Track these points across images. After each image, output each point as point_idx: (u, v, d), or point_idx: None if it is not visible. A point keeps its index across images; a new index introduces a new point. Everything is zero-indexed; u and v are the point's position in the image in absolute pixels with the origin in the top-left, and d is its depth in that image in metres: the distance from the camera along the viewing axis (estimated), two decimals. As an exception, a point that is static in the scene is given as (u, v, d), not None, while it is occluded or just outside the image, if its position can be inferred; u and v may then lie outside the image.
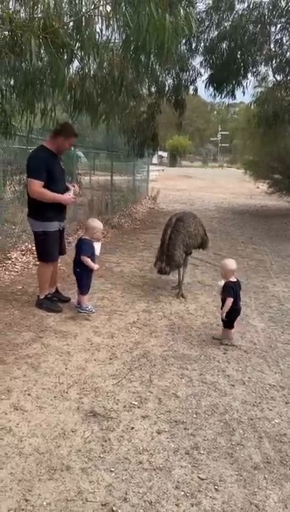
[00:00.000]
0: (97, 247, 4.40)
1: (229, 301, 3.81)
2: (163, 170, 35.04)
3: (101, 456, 2.34)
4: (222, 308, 3.88)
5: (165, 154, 56.81)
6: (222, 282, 3.97)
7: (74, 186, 4.58)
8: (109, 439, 2.48)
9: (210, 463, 2.36)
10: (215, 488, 2.18)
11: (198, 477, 2.24)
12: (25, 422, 2.57)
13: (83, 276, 4.37)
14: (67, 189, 4.40)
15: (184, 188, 23.87)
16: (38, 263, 5.78)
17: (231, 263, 3.95)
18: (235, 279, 3.95)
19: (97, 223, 4.39)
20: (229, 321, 3.90)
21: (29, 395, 2.87)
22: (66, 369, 3.26)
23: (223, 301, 3.89)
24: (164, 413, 2.79)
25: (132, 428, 2.61)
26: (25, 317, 4.19)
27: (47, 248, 4.37)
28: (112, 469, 2.24)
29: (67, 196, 4.32)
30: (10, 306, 4.42)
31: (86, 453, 2.35)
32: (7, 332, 3.82)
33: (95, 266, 4.32)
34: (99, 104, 4.65)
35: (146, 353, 3.62)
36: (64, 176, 4.46)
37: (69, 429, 2.54)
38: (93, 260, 4.30)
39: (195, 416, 2.78)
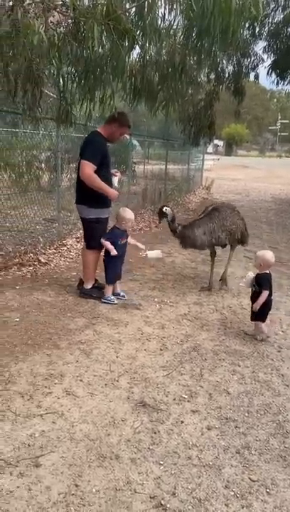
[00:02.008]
0: (156, 254, 4.68)
1: (266, 293, 3.68)
2: (218, 159, 34.41)
3: (151, 448, 2.33)
4: (256, 301, 3.73)
5: (220, 143, 55.68)
6: (251, 274, 3.83)
7: (116, 173, 4.56)
8: (159, 432, 2.46)
9: (262, 464, 2.28)
10: (267, 492, 2.10)
11: (249, 478, 2.18)
12: (76, 408, 2.62)
13: (108, 265, 4.37)
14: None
15: (239, 178, 23.29)
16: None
17: (271, 255, 3.80)
18: (268, 271, 3.80)
19: (127, 214, 4.34)
20: (261, 313, 3.77)
21: (81, 380, 2.92)
22: (117, 357, 3.28)
23: (255, 294, 3.78)
24: (214, 409, 2.73)
25: (182, 422, 2.58)
26: (79, 303, 4.26)
27: (99, 235, 4.36)
28: (161, 462, 2.23)
29: (114, 191, 4.28)
30: (64, 292, 4.52)
31: (135, 443, 2.35)
32: (61, 317, 3.91)
33: (114, 251, 4.24)
34: (159, 92, 4.57)
35: (197, 347, 3.57)
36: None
37: (119, 418, 2.55)
38: (116, 248, 4.26)
39: (246, 414, 2.70)
